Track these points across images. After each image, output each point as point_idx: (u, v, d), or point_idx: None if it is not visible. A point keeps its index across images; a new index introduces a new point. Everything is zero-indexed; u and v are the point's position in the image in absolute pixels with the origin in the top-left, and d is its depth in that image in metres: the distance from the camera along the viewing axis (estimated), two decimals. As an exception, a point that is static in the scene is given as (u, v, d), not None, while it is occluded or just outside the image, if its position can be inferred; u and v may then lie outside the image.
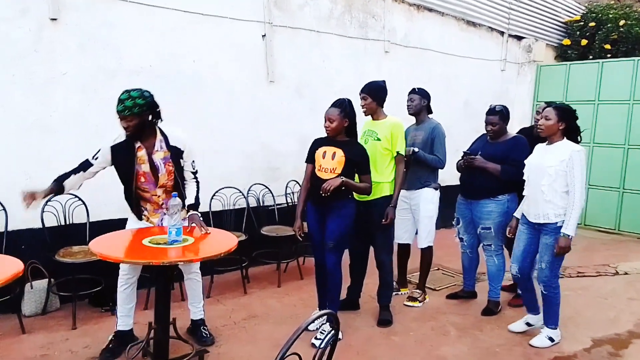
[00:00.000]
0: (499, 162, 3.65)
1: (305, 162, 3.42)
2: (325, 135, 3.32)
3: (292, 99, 5.06)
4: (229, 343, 3.26)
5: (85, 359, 2.98)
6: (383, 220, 3.48)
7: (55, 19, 3.56)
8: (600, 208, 7.17)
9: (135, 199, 2.98)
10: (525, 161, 3.38)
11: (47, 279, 3.58)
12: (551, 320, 3.39)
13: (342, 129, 3.26)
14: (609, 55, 7.61)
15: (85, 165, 2.88)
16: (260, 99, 4.82)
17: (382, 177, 3.52)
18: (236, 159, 4.67)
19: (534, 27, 7.79)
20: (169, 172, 2.98)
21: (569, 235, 3.15)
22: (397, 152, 3.52)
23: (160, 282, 2.76)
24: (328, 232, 3.29)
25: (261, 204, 4.77)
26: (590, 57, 7.81)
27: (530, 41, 7.67)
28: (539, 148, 3.35)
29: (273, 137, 4.94)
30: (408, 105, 3.95)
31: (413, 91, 3.95)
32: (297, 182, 4.98)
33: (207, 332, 3.28)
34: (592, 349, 3.37)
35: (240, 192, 4.61)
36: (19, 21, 3.44)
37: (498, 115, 3.71)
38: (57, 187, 2.81)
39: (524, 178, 3.37)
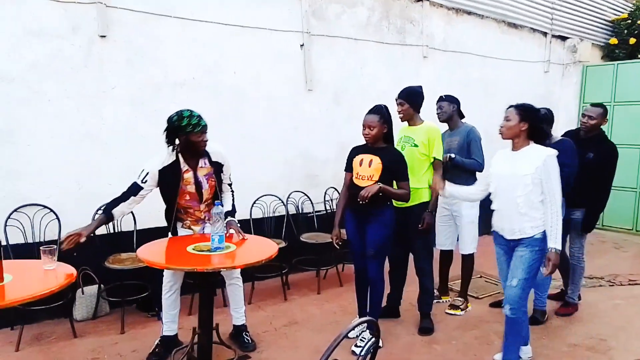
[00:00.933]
0: None
1: (344, 170, 3.43)
2: (364, 142, 3.32)
3: (330, 107, 5.09)
4: (270, 349, 3.30)
5: (132, 363, 3.08)
6: (420, 226, 3.46)
7: (104, 36, 3.73)
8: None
9: (176, 215, 3.06)
10: (491, 171, 3.01)
11: (97, 285, 3.74)
12: (512, 352, 2.96)
13: (381, 136, 3.24)
14: (659, 54, 7.30)
15: (135, 190, 2.86)
16: (299, 107, 4.88)
17: (420, 183, 3.49)
18: (276, 167, 4.74)
19: (579, 26, 7.55)
20: (211, 186, 3.07)
21: (558, 250, 2.75)
22: (435, 158, 3.49)
23: (204, 288, 2.83)
24: (368, 241, 3.27)
25: (300, 211, 4.82)
26: (639, 56, 7.49)
27: (575, 41, 7.44)
28: (503, 155, 2.97)
29: (312, 145, 4.99)
30: (438, 113, 3.92)
31: (441, 99, 3.92)
32: (336, 189, 5.01)
33: (249, 338, 3.33)
34: (644, 361, 3.23)
35: (280, 199, 4.68)
36: (70, 38, 3.62)
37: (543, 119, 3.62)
38: (107, 217, 2.82)
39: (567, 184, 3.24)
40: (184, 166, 2.95)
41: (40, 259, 2.31)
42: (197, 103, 4.20)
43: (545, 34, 7.20)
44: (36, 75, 3.52)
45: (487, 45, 6.45)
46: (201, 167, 3.01)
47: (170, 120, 2.85)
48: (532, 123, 2.86)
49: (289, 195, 4.76)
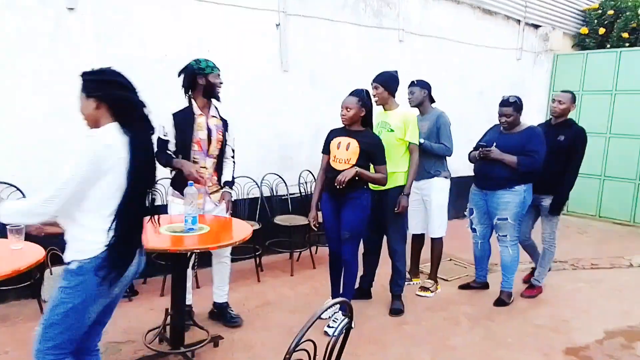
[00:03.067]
0: (514, 153, 3.63)
1: (322, 152, 3.44)
2: (341, 124, 3.32)
3: (306, 88, 5.06)
4: (243, 329, 3.31)
5: (103, 344, 3.01)
6: (395, 209, 3.50)
7: (72, 9, 3.59)
8: (616, 200, 7.10)
9: (179, 180, 3.05)
10: None
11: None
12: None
13: (358, 119, 3.25)
14: (627, 44, 7.47)
15: (164, 146, 3.00)
16: (274, 88, 4.82)
17: (397, 167, 3.52)
18: (250, 149, 4.69)
19: (551, 15, 7.66)
20: (219, 140, 3.12)
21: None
22: (410, 142, 3.52)
23: (176, 269, 2.81)
24: (344, 223, 3.29)
25: (275, 194, 4.80)
26: (608, 46, 7.67)
27: (547, 30, 7.55)
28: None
29: (287, 127, 4.95)
30: (409, 99, 3.91)
31: (412, 84, 3.91)
32: (311, 172, 5.00)
33: (235, 314, 3.39)
34: (605, 340, 3.37)
35: (254, 181, 4.65)
36: (40, 10, 3.47)
37: (512, 106, 3.68)
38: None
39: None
40: (196, 110, 3.05)
41: (7, 238, 2.25)
42: (170, 81, 4.10)
43: (518, 21, 7.28)
44: (3, 48, 3.38)
45: (462, 31, 6.49)
46: (212, 115, 3.11)
47: (188, 66, 3.05)
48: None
49: (264, 177, 4.74)
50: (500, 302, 3.90)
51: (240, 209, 4.47)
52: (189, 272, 3.23)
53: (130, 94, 1.90)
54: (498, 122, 3.84)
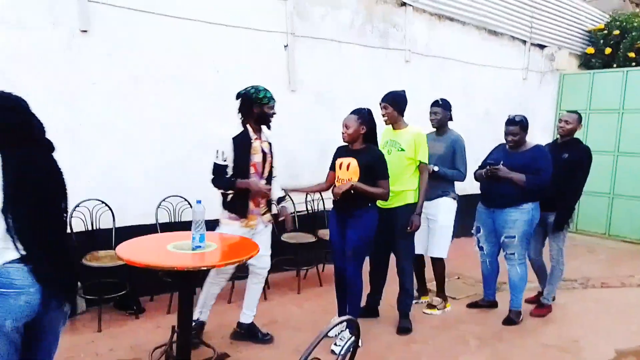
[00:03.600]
0: (521, 171, 3.65)
1: (329, 169, 3.48)
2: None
3: (313, 108, 5.11)
4: (250, 347, 3.31)
5: (110, 361, 3.05)
6: (408, 228, 3.49)
7: (85, 31, 3.69)
8: (625, 218, 7.04)
9: (244, 196, 3.15)
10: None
11: (74, 283, 3.68)
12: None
13: (358, 136, 3.26)
14: (633, 64, 7.50)
15: (222, 171, 3.12)
16: (282, 108, 4.82)
17: (407, 185, 3.53)
18: (257, 167, 4.74)
19: (557, 35, 7.73)
20: (269, 162, 3.25)
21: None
22: (420, 161, 3.53)
23: (183, 287, 2.82)
24: (347, 241, 3.28)
25: (282, 212, 4.81)
26: (615, 65, 7.70)
27: (553, 50, 7.61)
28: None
29: (293, 145, 4.99)
30: (432, 119, 3.92)
31: (437, 104, 3.92)
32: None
33: (265, 331, 3.44)
34: (616, 360, 3.33)
35: (261, 199, 4.67)
36: (51, 32, 3.57)
37: (518, 125, 3.71)
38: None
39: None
40: (252, 134, 3.17)
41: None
42: (179, 101, 4.19)
43: (524, 42, 7.34)
44: (15, 68, 3.46)
45: (468, 52, 6.56)
46: (263, 140, 3.25)
47: (247, 93, 3.17)
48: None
49: (271, 195, 4.76)
50: (509, 321, 3.86)
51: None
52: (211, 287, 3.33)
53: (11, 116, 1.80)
54: (503, 142, 3.86)
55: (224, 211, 3.21)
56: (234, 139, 3.11)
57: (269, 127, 3.27)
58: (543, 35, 7.53)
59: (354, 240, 3.26)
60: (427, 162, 3.56)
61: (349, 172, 3.24)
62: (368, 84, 5.42)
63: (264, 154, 3.20)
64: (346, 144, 3.35)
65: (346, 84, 5.32)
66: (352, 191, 3.15)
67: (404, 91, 3.64)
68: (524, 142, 3.78)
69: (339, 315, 3.44)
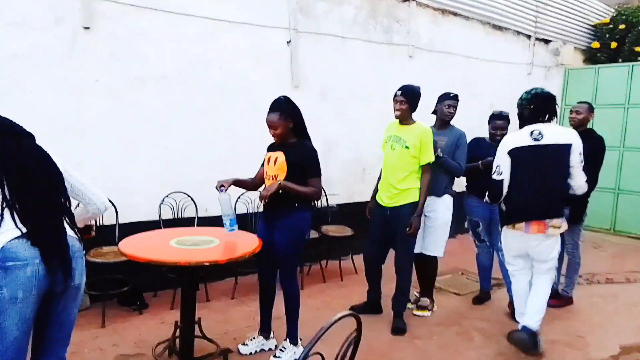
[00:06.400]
0: None
1: (261, 165, 3.28)
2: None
3: (317, 104, 5.10)
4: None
5: (113, 357, 3.06)
6: (407, 230, 3.43)
7: (88, 28, 3.69)
8: (631, 214, 7.00)
9: None
10: None
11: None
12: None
13: (289, 132, 2.99)
14: (639, 58, 7.44)
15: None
16: (285, 103, 4.86)
17: (411, 183, 3.47)
18: (260, 163, 4.72)
19: (562, 30, 7.68)
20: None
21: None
22: (424, 163, 3.45)
23: (186, 282, 2.82)
24: (276, 246, 3.01)
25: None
26: (620, 60, 7.65)
27: (558, 44, 7.56)
28: None
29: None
30: (449, 112, 3.80)
31: (455, 98, 3.83)
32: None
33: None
34: (620, 356, 3.30)
35: (265, 195, 4.67)
36: (53, 30, 3.57)
37: (506, 119, 3.86)
38: None
39: None
40: None
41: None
42: (182, 98, 4.19)
43: (529, 36, 7.30)
44: (17, 66, 3.46)
45: (472, 47, 6.53)
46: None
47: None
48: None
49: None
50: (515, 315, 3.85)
51: (250, 223, 4.49)
52: None
53: None
54: (480, 136, 4.05)
55: None
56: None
57: None
58: (548, 29, 7.48)
59: (282, 244, 2.99)
60: (430, 162, 3.47)
61: (276, 167, 2.98)
62: (372, 80, 5.40)
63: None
64: None
65: (350, 79, 5.29)
66: (279, 191, 2.89)
67: (419, 87, 3.55)
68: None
69: (262, 327, 3.25)
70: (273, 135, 3.02)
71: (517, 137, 3.17)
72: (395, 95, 3.50)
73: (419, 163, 3.47)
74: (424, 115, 3.94)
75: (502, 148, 3.23)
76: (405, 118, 3.52)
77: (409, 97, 3.44)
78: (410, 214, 3.44)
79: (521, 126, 3.24)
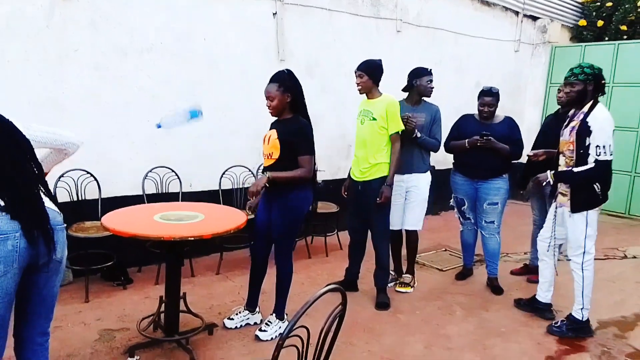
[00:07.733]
0: (502, 142, 3.76)
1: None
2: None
3: (303, 78, 4.90)
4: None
5: (97, 331, 3.05)
6: (378, 199, 3.43)
7: (66, -5, 3.56)
8: (612, 192, 7.06)
9: None
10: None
11: (60, 253, 3.65)
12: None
13: (284, 106, 2.94)
14: (625, 37, 7.46)
15: None
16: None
17: (380, 157, 3.47)
18: (246, 138, 4.67)
19: (550, 7, 7.64)
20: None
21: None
22: (392, 133, 3.44)
23: (171, 257, 2.81)
24: (273, 224, 3.04)
25: (270, 183, 4.78)
26: (606, 38, 7.66)
27: (546, 21, 7.54)
28: None
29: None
30: (431, 88, 3.79)
31: (431, 72, 3.82)
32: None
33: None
34: (598, 330, 3.39)
35: (250, 171, 4.64)
36: (30, -3, 3.44)
37: (494, 96, 3.83)
38: None
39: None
40: None
41: None
42: (166, 70, 4.10)
43: (517, 13, 7.26)
44: (-6, 34, 3.34)
45: (460, 22, 6.47)
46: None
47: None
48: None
49: (259, 166, 4.73)
50: (497, 289, 3.93)
51: (236, 198, 4.46)
52: None
53: None
54: (468, 112, 4.03)
55: None
56: None
57: None
58: (536, 6, 7.44)
59: (278, 224, 3.02)
60: (399, 132, 3.46)
61: (270, 145, 2.96)
62: (359, 55, 5.27)
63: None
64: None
65: (337, 53, 5.22)
66: (267, 185, 2.87)
67: (380, 60, 3.55)
68: (494, 116, 3.91)
69: (248, 303, 3.26)
70: (268, 107, 2.95)
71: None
72: (355, 71, 3.51)
73: (388, 134, 3.46)
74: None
75: (610, 125, 3.03)
76: (368, 91, 3.53)
77: (367, 70, 3.45)
78: (379, 188, 3.44)
79: (580, 101, 3.18)
